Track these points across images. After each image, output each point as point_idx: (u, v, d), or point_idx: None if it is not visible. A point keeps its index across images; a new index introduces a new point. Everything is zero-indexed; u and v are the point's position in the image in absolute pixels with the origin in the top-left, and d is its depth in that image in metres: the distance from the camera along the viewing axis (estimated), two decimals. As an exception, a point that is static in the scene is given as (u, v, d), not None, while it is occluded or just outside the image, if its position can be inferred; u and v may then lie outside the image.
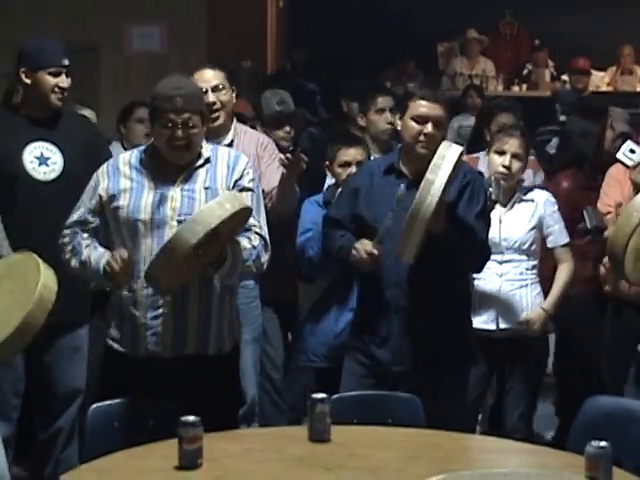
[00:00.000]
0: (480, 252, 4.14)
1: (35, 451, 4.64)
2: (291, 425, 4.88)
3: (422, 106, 4.06)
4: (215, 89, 4.67)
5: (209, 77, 4.70)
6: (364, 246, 4.02)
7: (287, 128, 5.41)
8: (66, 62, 4.42)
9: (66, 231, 3.82)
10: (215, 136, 4.49)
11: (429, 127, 4.03)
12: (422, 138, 4.04)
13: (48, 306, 3.56)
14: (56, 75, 4.39)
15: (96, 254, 3.72)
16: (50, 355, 4.46)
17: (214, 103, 4.66)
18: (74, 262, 3.78)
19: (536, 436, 5.33)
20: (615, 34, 11.55)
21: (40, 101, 4.41)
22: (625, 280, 4.48)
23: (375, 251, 3.99)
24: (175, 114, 3.67)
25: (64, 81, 4.41)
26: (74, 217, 3.82)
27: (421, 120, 4.05)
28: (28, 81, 4.39)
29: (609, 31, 11.87)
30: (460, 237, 3.98)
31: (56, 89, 4.38)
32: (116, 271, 3.62)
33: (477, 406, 4.88)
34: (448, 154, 3.74)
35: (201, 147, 3.80)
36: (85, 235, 3.79)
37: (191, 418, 3.09)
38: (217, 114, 4.67)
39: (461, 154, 3.80)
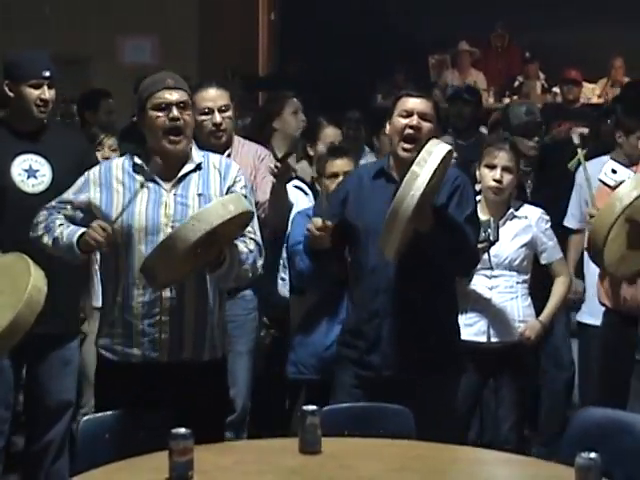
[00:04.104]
0: (469, 256, 4.13)
1: (26, 463, 4.64)
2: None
3: (407, 101, 4.09)
4: (221, 110, 4.65)
5: (214, 96, 4.66)
6: (315, 223, 4.03)
7: (536, 138, 5.40)
8: (47, 74, 4.37)
9: (42, 212, 3.83)
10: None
11: (414, 119, 4.05)
12: (407, 131, 4.05)
13: (37, 307, 3.57)
14: (37, 87, 4.35)
15: (68, 230, 3.74)
16: (41, 368, 4.46)
17: (221, 124, 4.63)
18: (46, 239, 3.78)
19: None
20: (606, 47, 11.56)
21: (25, 114, 4.39)
22: (603, 271, 4.43)
23: (328, 222, 4.00)
24: (168, 92, 3.70)
25: (46, 93, 4.37)
26: (52, 203, 3.84)
27: (406, 114, 4.07)
28: (12, 94, 4.39)
29: (600, 44, 11.87)
30: (448, 239, 3.98)
31: (38, 101, 4.35)
32: (99, 240, 3.61)
33: (469, 419, 4.88)
34: (436, 150, 3.71)
35: (191, 152, 3.81)
36: (60, 216, 3.80)
37: (182, 430, 3.07)
38: (221, 134, 4.65)
39: (449, 152, 3.79)
